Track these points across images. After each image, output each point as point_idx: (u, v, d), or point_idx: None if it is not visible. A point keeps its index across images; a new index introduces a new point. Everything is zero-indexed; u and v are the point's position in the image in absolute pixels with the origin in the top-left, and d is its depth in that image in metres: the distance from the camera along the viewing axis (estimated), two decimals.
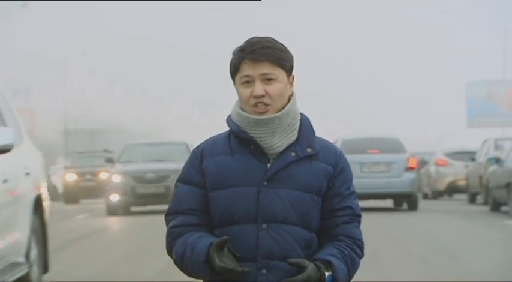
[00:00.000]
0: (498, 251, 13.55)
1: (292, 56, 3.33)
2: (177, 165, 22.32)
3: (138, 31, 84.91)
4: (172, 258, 3.34)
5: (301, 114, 3.37)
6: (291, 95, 3.35)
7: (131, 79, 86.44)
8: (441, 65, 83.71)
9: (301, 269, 3.15)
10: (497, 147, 25.85)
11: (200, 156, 3.37)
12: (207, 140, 3.42)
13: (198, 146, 3.42)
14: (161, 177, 24.33)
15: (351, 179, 3.40)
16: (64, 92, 74.98)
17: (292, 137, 3.31)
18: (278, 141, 3.29)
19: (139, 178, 24.51)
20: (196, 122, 71.88)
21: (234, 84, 3.34)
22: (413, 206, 22.97)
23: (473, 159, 27.23)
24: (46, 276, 9.80)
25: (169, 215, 3.38)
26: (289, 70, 3.32)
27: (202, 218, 3.33)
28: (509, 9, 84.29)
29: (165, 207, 14.87)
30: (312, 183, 3.29)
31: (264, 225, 3.25)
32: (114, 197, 24.23)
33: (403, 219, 20.59)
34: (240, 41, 3.41)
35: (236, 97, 3.37)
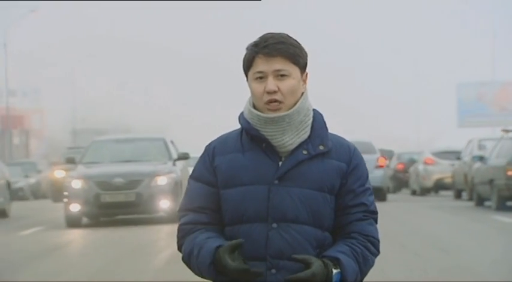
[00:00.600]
0: (488, 245, 13.52)
1: (306, 53, 3.17)
2: (152, 167, 19.45)
3: (143, 35, 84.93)
4: (181, 254, 3.24)
5: (314, 110, 3.20)
6: (303, 92, 3.17)
7: (136, 81, 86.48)
8: (433, 68, 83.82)
9: (307, 265, 2.98)
10: (480, 146, 26.61)
11: (212, 154, 3.22)
12: (218, 137, 3.28)
13: (209, 143, 3.28)
14: (132, 183, 19.01)
15: (366, 176, 3.22)
16: (72, 93, 75.04)
17: (304, 134, 3.15)
18: (289, 139, 3.13)
19: (104, 184, 19.04)
20: (198, 122, 71.72)
21: (247, 79, 3.19)
22: (382, 198, 25.95)
23: (458, 158, 27.93)
24: None
25: (180, 211, 3.27)
26: (302, 67, 3.15)
27: (213, 216, 3.19)
28: (497, 14, 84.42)
29: (139, 217, 14.03)
30: (324, 182, 3.12)
31: (274, 225, 3.10)
32: (74, 207, 18.81)
33: (396, 215, 20.67)
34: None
35: (245, 95, 3.23)
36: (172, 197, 18.67)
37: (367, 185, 3.19)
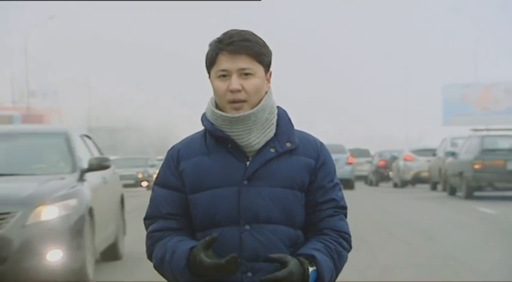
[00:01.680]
0: (470, 234, 13.50)
1: (271, 52, 2.86)
2: (33, 188, 8.87)
3: (153, 39, 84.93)
4: (152, 262, 2.90)
5: (278, 107, 2.89)
6: (267, 91, 2.85)
7: (147, 83, 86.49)
8: (420, 70, 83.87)
9: (283, 264, 2.68)
10: (453, 144, 28.03)
11: (177, 158, 2.88)
12: (182, 140, 2.94)
13: (173, 147, 2.93)
14: None
15: (334, 171, 2.91)
16: (87, 94, 75.01)
17: (270, 132, 2.83)
18: (256, 138, 2.81)
19: None
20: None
21: (209, 77, 2.85)
22: (351, 187, 29.77)
23: (434, 155, 29.69)
24: None
25: (147, 219, 2.91)
26: (267, 66, 2.84)
27: (182, 222, 2.86)
28: (480, 21, 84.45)
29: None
30: (294, 179, 2.81)
31: (247, 227, 2.78)
32: None
33: (382, 205, 20.73)
34: None
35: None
36: (70, 243, 8.64)
37: (335, 180, 2.91)
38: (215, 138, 2.85)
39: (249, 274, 2.77)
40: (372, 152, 42.95)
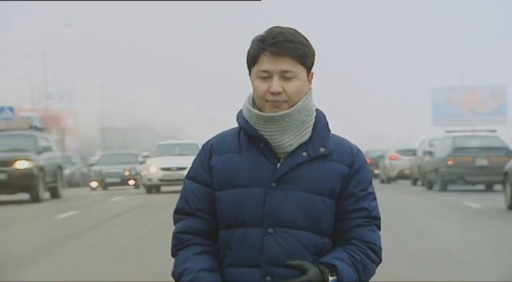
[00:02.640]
0: (456, 226, 13.50)
1: (314, 52, 2.60)
2: None
3: (164, 45, 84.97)
4: (173, 267, 2.70)
5: (317, 110, 2.64)
6: (307, 92, 2.61)
7: (157, 85, 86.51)
8: (412, 75, 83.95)
9: (302, 272, 2.45)
10: (431, 144, 29.46)
11: (209, 152, 2.65)
12: (216, 136, 2.72)
13: (207, 142, 2.70)
14: None
15: (369, 179, 2.64)
16: (101, 96, 74.97)
17: (305, 135, 2.58)
18: (289, 139, 2.56)
19: None
20: (217, 122, 71.70)
21: (250, 75, 2.61)
22: None
23: (414, 154, 31.52)
24: None
25: (176, 213, 2.71)
26: (309, 67, 2.58)
27: (209, 221, 2.63)
28: (466, 29, 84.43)
29: None
30: (324, 185, 2.56)
31: (270, 230, 2.54)
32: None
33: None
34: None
35: (249, 90, 2.67)
36: None
37: (369, 189, 2.62)
38: (248, 137, 2.62)
39: (268, 279, 2.54)
40: None
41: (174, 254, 2.68)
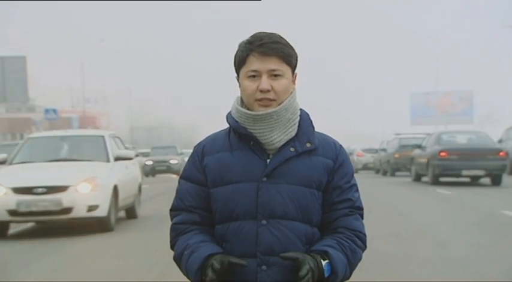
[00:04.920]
0: (429, 210, 13.49)
1: (297, 55, 2.45)
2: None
3: (183, 57, 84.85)
4: (173, 253, 2.51)
5: (301, 109, 2.48)
6: (292, 91, 2.44)
7: (177, 90, 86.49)
8: (393, 81, 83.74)
9: (298, 262, 2.28)
10: (387, 143, 32.99)
11: (201, 153, 2.48)
12: (207, 137, 2.53)
13: (199, 143, 2.53)
14: None
15: (352, 172, 2.49)
16: (129, 99, 75.10)
17: (292, 132, 2.41)
18: (277, 136, 2.39)
19: None
20: (225, 120, 71.74)
21: (238, 77, 2.43)
22: None
23: (376, 152, 35.83)
24: None
25: (172, 210, 2.52)
26: (294, 67, 2.43)
27: (204, 216, 2.45)
28: (440, 42, 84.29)
29: None
30: (312, 178, 2.39)
31: (264, 221, 2.36)
32: None
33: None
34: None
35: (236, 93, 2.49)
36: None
37: (352, 182, 2.48)
38: (238, 135, 2.44)
39: (264, 267, 2.35)
40: None
41: (173, 245, 2.49)
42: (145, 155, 39.27)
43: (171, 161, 36.55)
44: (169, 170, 36.41)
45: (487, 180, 21.51)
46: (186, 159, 26.85)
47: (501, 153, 20.13)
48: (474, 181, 21.34)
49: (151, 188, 22.54)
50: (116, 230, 11.47)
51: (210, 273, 2.28)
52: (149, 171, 36.22)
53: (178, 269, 2.48)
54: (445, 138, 21.60)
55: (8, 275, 7.89)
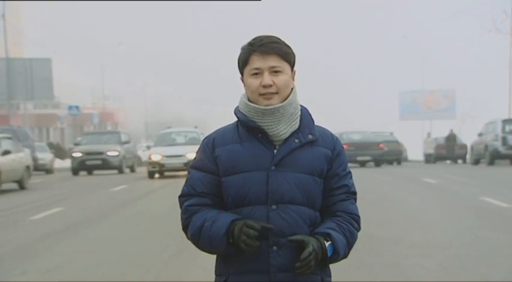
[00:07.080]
0: (416, 197, 13.48)
1: (294, 54, 2.46)
2: None
3: (194, 57, 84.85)
4: (187, 235, 2.42)
5: (300, 105, 2.50)
6: (292, 88, 2.46)
7: (188, 88, 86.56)
8: (383, 80, 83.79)
9: (303, 244, 2.31)
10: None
11: (212, 145, 2.45)
12: (216, 131, 2.51)
13: (208, 136, 2.51)
14: None
15: (347, 161, 2.52)
16: (144, 97, 75.11)
17: (295, 125, 2.42)
18: (283, 128, 2.40)
19: None
20: (232, 116, 71.70)
21: (242, 76, 2.44)
22: None
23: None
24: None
25: (183, 196, 2.46)
26: (292, 64, 2.44)
27: (215, 201, 2.42)
28: (426, 44, 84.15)
29: None
30: (314, 166, 2.41)
31: (274, 206, 2.36)
32: None
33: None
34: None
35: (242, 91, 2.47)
36: None
37: (347, 169, 2.50)
38: (247, 128, 2.43)
39: (275, 248, 2.36)
40: None
41: (185, 227, 2.42)
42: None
43: (109, 153, 26.76)
44: (105, 164, 26.68)
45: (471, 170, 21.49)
46: (141, 149, 28.12)
47: (381, 145, 29.09)
48: (363, 165, 28.95)
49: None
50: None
51: (251, 231, 2.27)
52: (78, 167, 26.29)
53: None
54: (345, 136, 29.01)
55: (7, 275, 6.88)
